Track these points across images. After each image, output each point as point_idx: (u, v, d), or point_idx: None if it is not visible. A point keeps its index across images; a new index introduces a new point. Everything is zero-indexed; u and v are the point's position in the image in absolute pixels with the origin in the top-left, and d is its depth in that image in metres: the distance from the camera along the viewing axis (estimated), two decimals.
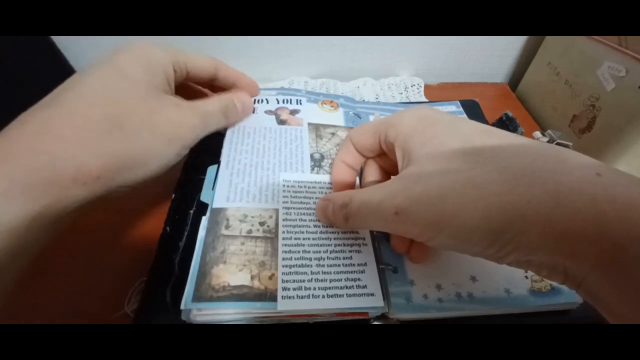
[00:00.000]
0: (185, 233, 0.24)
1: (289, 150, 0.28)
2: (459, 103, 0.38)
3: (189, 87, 0.27)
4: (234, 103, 0.26)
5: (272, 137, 0.29)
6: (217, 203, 0.24)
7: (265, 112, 0.30)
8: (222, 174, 0.26)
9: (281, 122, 0.30)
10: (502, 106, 0.40)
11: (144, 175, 0.20)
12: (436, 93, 0.44)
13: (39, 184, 0.16)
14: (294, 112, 0.31)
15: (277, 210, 0.24)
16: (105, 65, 0.20)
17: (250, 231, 0.23)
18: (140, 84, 0.20)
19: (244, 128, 0.29)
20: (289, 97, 0.32)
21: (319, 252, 0.22)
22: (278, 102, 0.31)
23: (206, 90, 0.28)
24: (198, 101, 0.24)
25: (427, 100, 0.42)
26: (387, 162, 0.24)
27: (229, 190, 0.25)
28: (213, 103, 0.25)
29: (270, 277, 0.21)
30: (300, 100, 0.33)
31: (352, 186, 0.26)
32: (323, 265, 0.22)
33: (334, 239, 0.23)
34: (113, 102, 0.19)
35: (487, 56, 0.46)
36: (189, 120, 0.22)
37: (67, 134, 0.17)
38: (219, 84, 0.27)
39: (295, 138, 0.29)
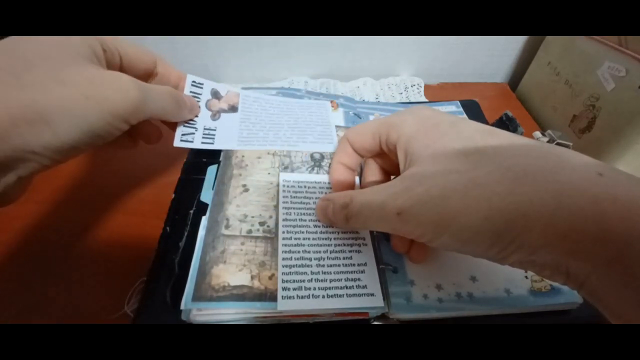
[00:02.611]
0: (185, 233, 0.24)
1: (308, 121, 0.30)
2: (459, 103, 0.38)
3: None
4: (183, 97, 0.25)
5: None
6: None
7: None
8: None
9: (216, 112, 0.29)
10: (502, 106, 0.40)
11: (59, 137, 0.17)
12: (436, 93, 0.44)
13: None
14: (217, 96, 0.30)
15: (277, 209, 0.24)
16: (24, 36, 0.18)
17: (250, 231, 0.23)
18: (59, 48, 0.18)
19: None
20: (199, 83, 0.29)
21: (319, 252, 0.22)
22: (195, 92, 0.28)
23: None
24: None
25: (427, 100, 0.42)
26: (387, 161, 0.24)
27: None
28: (161, 86, 0.23)
29: (270, 277, 0.21)
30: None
31: (351, 186, 0.25)
32: (323, 265, 0.22)
33: (334, 239, 0.23)
34: (15, 55, 0.17)
35: (487, 56, 0.46)
36: (120, 82, 0.19)
37: None
38: (158, 82, 0.25)
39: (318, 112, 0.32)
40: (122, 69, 0.22)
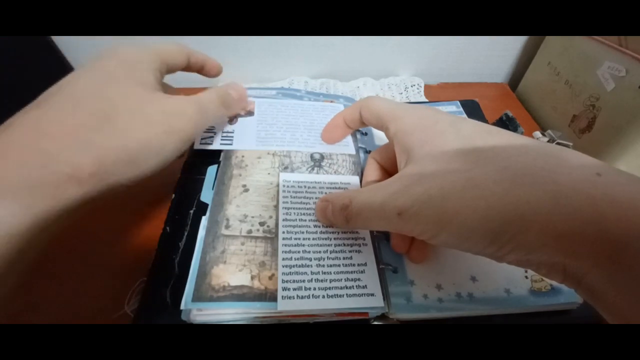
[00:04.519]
0: (185, 233, 0.24)
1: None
2: (459, 103, 0.38)
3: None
4: (229, 92, 0.26)
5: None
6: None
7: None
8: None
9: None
10: (502, 106, 0.40)
11: (142, 171, 0.19)
12: (436, 93, 0.44)
13: (32, 186, 0.15)
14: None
15: (277, 209, 0.24)
16: (90, 68, 0.20)
17: (250, 231, 0.23)
18: (127, 82, 0.20)
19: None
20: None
21: (319, 252, 0.22)
22: None
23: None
24: (192, 95, 0.23)
25: (427, 100, 0.42)
26: (387, 161, 0.24)
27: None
28: (209, 93, 0.24)
29: (270, 277, 0.21)
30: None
31: (340, 137, 0.29)
32: (323, 266, 0.22)
33: (334, 239, 0.23)
34: (101, 99, 0.18)
35: (487, 56, 0.46)
36: (185, 110, 0.21)
37: (57, 133, 0.16)
38: (189, 70, 0.26)
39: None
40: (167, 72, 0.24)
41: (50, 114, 0.17)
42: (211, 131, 0.28)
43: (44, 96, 0.18)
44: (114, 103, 0.18)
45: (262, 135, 0.29)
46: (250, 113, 0.31)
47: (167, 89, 0.23)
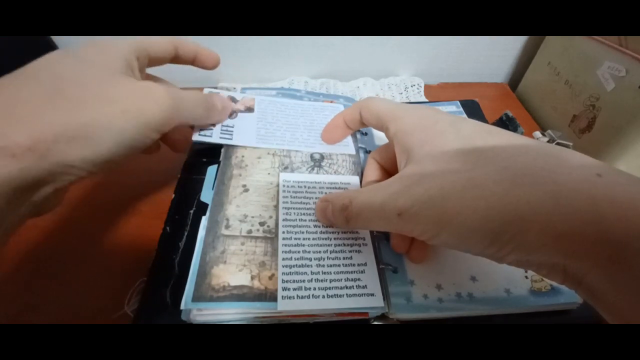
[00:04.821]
0: (185, 233, 0.24)
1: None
2: (459, 103, 0.38)
3: None
4: (214, 98, 0.26)
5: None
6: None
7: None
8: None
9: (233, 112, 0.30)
10: (502, 106, 0.40)
11: (97, 152, 0.17)
12: (436, 93, 0.44)
13: None
14: (233, 100, 0.31)
15: (277, 209, 0.24)
16: (61, 51, 0.19)
17: (250, 231, 0.23)
18: (92, 64, 0.19)
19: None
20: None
21: (319, 252, 0.22)
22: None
23: None
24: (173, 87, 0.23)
25: (427, 100, 0.42)
26: (387, 161, 0.24)
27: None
28: (192, 91, 0.23)
29: (270, 277, 0.21)
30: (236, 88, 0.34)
31: (340, 137, 0.29)
32: (323, 266, 0.22)
33: (334, 239, 0.23)
34: (55, 75, 0.18)
35: (487, 56, 0.46)
36: (153, 93, 0.20)
37: (5, 109, 0.16)
38: (180, 62, 0.26)
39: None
40: (149, 63, 0.23)
41: (4, 93, 0.17)
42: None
43: (9, 75, 0.18)
44: (69, 80, 0.18)
45: (262, 133, 0.29)
46: (249, 109, 0.30)
47: (156, 81, 0.23)
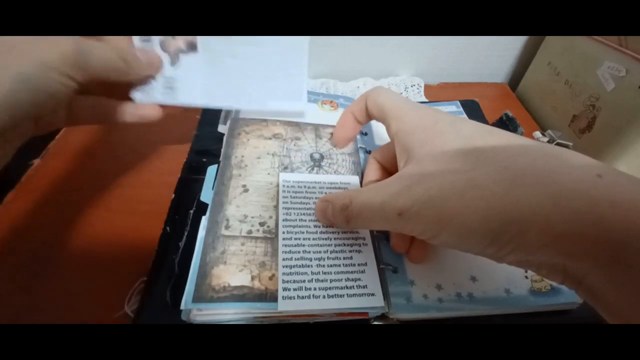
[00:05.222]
0: (185, 233, 0.24)
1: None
2: (459, 103, 0.38)
3: None
4: (135, 51, 0.23)
5: None
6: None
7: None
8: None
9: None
10: (502, 106, 0.40)
11: None
12: (436, 93, 0.44)
13: None
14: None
15: (277, 209, 0.24)
16: None
17: (250, 231, 0.23)
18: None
19: None
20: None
21: (319, 252, 0.22)
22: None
23: None
24: None
25: (427, 100, 0.42)
26: (387, 160, 0.24)
27: None
28: (110, 38, 0.21)
29: (270, 278, 0.21)
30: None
31: (351, 138, 0.29)
32: (323, 266, 0.22)
33: (334, 239, 0.23)
34: None
35: (487, 56, 0.46)
36: (51, 37, 0.18)
37: None
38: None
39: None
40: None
41: None
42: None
43: None
44: None
45: (210, 87, 0.25)
46: (192, 46, 0.25)
47: None
